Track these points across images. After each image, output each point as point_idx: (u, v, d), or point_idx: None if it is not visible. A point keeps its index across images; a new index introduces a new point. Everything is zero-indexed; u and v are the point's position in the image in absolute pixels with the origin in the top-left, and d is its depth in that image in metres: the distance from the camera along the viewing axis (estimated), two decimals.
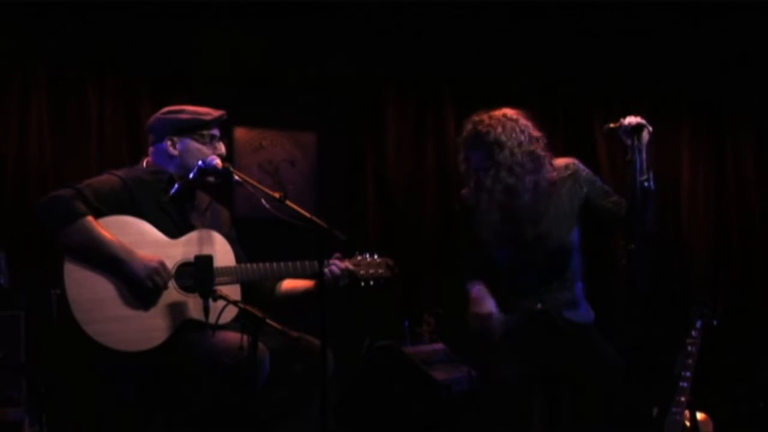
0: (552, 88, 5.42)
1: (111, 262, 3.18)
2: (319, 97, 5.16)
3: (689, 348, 4.17)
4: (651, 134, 3.29)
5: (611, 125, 3.34)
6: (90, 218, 3.18)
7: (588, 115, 5.61)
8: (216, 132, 3.46)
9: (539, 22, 5.21)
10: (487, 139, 3.39)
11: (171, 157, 3.42)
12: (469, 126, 3.47)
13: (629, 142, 3.26)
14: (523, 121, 3.46)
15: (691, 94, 5.79)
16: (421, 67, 5.33)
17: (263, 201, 3.20)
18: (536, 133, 3.45)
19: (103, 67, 4.72)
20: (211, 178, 3.40)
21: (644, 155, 3.25)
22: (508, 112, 3.47)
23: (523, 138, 3.42)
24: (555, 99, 5.55)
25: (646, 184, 3.24)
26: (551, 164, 3.48)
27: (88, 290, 3.15)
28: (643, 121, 3.28)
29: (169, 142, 3.42)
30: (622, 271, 3.20)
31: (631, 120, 3.28)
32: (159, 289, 3.21)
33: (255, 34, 4.92)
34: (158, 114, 3.49)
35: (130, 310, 3.19)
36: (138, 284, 3.18)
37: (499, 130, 3.40)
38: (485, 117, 3.45)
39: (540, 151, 3.43)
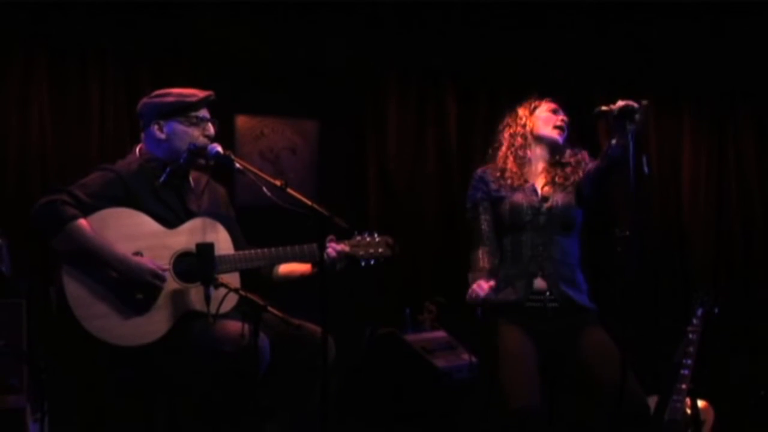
0: (553, 79, 5.40)
1: (104, 266, 3.17)
2: (320, 85, 5.14)
3: (690, 336, 4.18)
4: (643, 117, 3.22)
5: (603, 108, 3.27)
6: (79, 222, 3.15)
7: (589, 106, 5.57)
8: (204, 113, 3.43)
9: (541, 14, 5.20)
10: None
11: (159, 141, 3.40)
12: None
13: (624, 126, 3.19)
14: None
15: (692, 86, 5.77)
16: (422, 54, 5.31)
17: (264, 189, 3.18)
18: None
19: (105, 54, 4.70)
20: (202, 161, 3.38)
21: (635, 140, 3.18)
22: None
23: None
24: (556, 90, 5.53)
25: (642, 168, 3.19)
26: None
27: (87, 287, 3.15)
28: (635, 104, 3.21)
29: (156, 126, 3.40)
30: (617, 258, 3.14)
31: (624, 103, 3.22)
32: (158, 288, 3.20)
33: (256, 21, 4.90)
34: (145, 98, 3.47)
35: (130, 305, 3.18)
36: (135, 284, 3.18)
37: None
38: None
39: None
